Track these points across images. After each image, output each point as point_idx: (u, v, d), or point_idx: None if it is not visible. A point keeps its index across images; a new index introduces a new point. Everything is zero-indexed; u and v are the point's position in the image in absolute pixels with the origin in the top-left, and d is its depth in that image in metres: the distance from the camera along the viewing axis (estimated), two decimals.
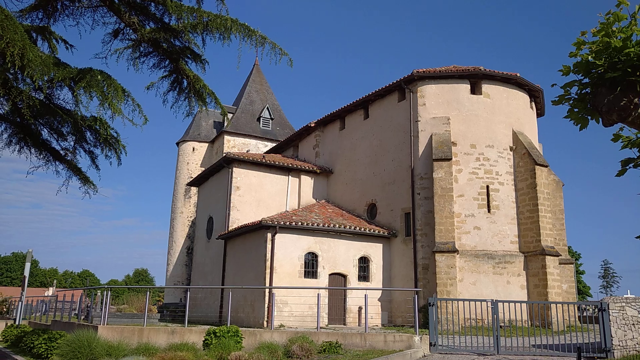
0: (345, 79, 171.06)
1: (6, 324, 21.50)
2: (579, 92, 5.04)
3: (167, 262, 41.63)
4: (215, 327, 12.63)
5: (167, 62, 12.74)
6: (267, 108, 42.26)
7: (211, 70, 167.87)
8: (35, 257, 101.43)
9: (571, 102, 5.09)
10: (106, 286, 17.67)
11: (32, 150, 9.05)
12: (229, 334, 12.21)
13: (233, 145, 39.61)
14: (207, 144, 43.23)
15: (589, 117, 5.02)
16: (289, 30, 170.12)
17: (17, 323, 21.20)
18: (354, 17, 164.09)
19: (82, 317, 21.09)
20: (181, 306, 29.77)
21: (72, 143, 9.36)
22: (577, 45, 4.91)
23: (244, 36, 11.26)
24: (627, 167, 5.20)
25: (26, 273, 22.08)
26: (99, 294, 25.09)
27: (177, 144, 44.36)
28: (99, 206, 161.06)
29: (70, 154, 9.43)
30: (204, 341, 12.45)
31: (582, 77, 4.95)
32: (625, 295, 23.85)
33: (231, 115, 41.73)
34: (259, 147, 39.40)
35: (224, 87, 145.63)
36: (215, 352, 11.51)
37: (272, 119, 41.89)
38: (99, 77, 7.73)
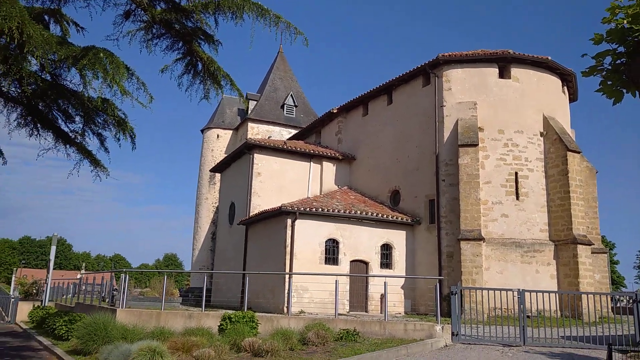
0: (370, 66, 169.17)
1: (33, 305, 21.96)
2: (612, 62, 4.53)
3: (193, 247, 42.04)
4: (231, 312, 12.45)
5: (180, 44, 12.44)
6: (291, 95, 41.92)
7: (235, 57, 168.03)
8: (69, 242, 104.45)
9: (604, 73, 4.57)
10: (125, 269, 17.77)
11: (41, 132, 8.95)
12: (244, 320, 12.02)
13: (257, 132, 39.46)
14: (231, 131, 43.26)
15: (624, 90, 4.50)
16: (315, 18, 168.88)
17: (43, 304, 21.63)
18: (380, 5, 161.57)
19: (108, 300, 21.39)
20: (205, 290, 29.95)
21: (80, 125, 9.22)
22: (611, 10, 4.38)
23: (257, 15, 10.84)
24: None
25: (52, 256, 22.48)
26: (122, 277, 25.42)
27: (202, 131, 44.54)
28: (128, 193, 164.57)
29: (79, 137, 9.28)
30: (219, 326, 12.29)
31: (617, 46, 4.43)
32: None
33: (255, 102, 41.61)
34: (283, 134, 39.12)
35: (249, 74, 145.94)
36: (230, 337, 11.31)
37: (296, 106, 41.54)
38: (102, 54, 7.48)
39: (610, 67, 4.49)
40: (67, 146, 9.34)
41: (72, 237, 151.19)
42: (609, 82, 4.48)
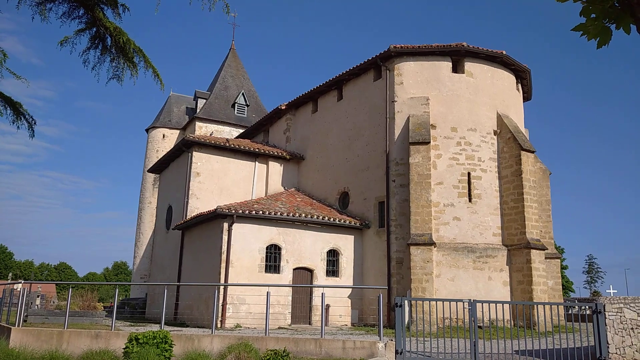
0: (327, 63, 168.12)
1: None
2: None
3: (134, 255, 39.36)
4: (139, 332, 10.56)
5: (81, 11, 10.56)
6: (243, 94, 40.06)
7: (186, 54, 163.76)
8: (12, 249, 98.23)
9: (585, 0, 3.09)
10: (23, 281, 15.50)
11: None
12: (154, 341, 10.15)
13: (205, 132, 37.36)
14: (178, 131, 40.90)
15: (613, 27, 3.06)
16: (272, 8, 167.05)
17: None
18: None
19: (25, 315, 18.94)
20: (141, 302, 27.65)
21: None
22: None
23: None
24: None
25: None
26: (21, 289, 22.87)
27: (147, 130, 41.96)
28: (81, 199, 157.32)
29: None
30: (124, 349, 10.37)
31: None
32: (608, 291, 22.17)
33: (204, 101, 39.51)
34: (233, 134, 37.12)
35: (199, 71, 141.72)
36: None
37: (247, 105, 39.68)
38: None
39: None
40: None
41: (16, 244, 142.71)
42: (593, 16, 3.02)
